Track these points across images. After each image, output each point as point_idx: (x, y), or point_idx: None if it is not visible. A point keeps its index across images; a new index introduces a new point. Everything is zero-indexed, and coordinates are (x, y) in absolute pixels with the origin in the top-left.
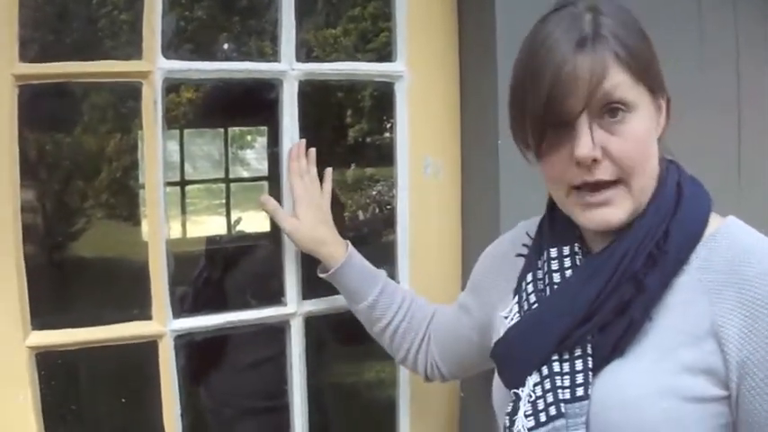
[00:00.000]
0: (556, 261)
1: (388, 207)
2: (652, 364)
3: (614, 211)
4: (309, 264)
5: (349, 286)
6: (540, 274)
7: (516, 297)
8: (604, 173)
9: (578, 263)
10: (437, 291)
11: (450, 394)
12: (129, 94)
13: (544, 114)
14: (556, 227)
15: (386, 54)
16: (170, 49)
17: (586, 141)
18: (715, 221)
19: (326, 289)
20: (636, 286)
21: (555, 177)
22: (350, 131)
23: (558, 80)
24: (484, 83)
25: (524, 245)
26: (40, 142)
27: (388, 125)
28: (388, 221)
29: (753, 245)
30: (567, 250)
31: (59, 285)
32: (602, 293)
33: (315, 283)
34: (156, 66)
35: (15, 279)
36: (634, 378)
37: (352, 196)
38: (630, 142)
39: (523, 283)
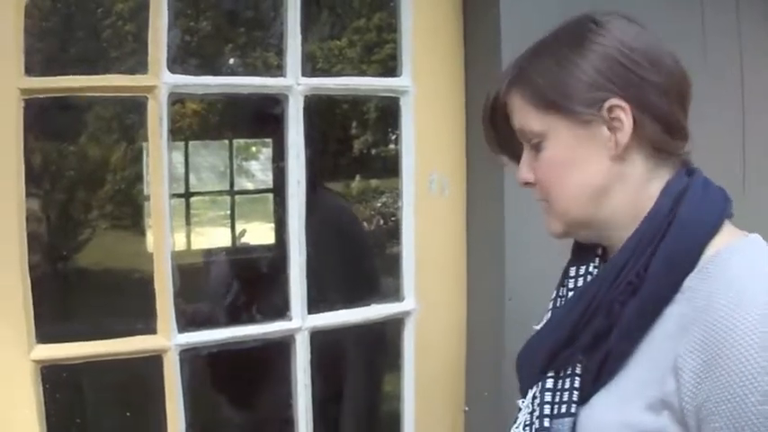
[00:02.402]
0: (572, 280)
1: (393, 219)
2: (628, 395)
3: (552, 220)
4: (315, 277)
5: None
6: (562, 291)
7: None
8: (537, 192)
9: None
10: (442, 306)
11: (454, 408)
12: (134, 105)
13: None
14: (581, 245)
15: (391, 66)
16: (175, 63)
17: (521, 165)
18: (722, 242)
19: (332, 303)
20: (607, 315)
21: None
22: (355, 143)
23: (485, 114)
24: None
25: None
26: (45, 153)
27: (393, 137)
28: (393, 233)
29: (737, 276)
30: (583, 269)
31: (64, 298)
32: (584, 317)
33: (320, 296)
34: (161, 80)
35: (20, 292)
36: (603, 410)
37: (357, 208)
38: (543, 168)
39: (550, 301)
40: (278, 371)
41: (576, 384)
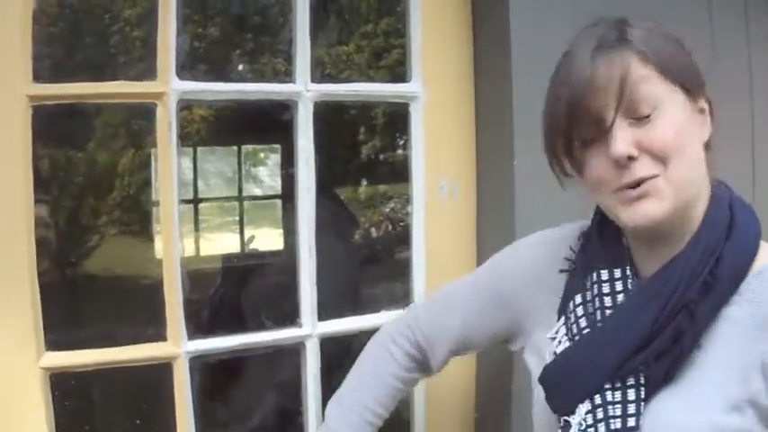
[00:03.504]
0: (607, 284)
1: (402, 224)
2: (703, 398)
3: (655, 202)
4: (325, 284)
5: None
6: (589, 296)
7: (563, 318)
8: (643, 169)
9: (630, 286)
10: None
11: (463, 414)
12: (143, 111)
13: (570, 118)
14: (605, 245)
15: (398, 72)
16: (184, 70)
17: (619, 140)
18: (765, 250)
19: (342, 310)
20: (690, 315)
21: (596, 185)
22: (363, 148)
23: (579, 82)
24: (499, 103)
25: (567, 259)
26: (54, 159)
27: (402, 142)
28: (402, 238)
29: None
30: (618, 273)
31: (73, 304)
32: (658, 322)
33: (330, 303)
34: (170, 87)
35: (29, 299)
36: (685, 412)
37: (365, 213)
38: (663, 129)
39: (571, 304)
40: (288, 377)
41: (642, 395)
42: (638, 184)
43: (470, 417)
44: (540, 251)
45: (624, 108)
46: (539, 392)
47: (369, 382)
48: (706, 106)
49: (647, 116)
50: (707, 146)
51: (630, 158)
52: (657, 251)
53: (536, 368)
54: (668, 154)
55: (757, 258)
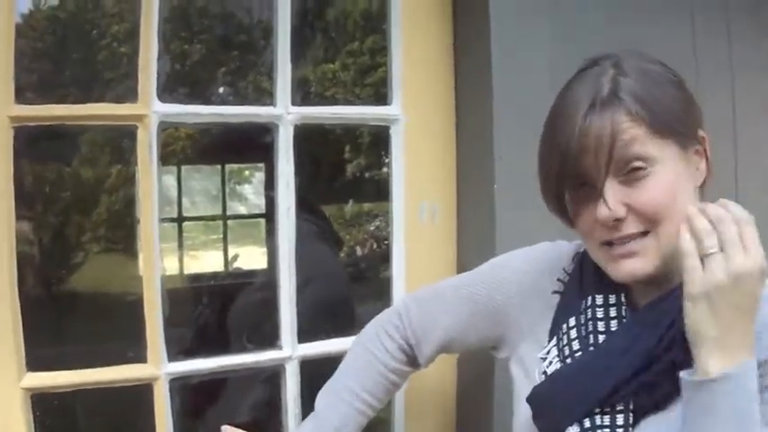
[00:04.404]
0: (601, 309)
1: (386, 243)
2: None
3: (640, 262)
4: (305, 306)
5: None
6: (582, 319)
7: (554, 339)
8: (630, 227)
9: (623, 314)
10: None
11: (444, 417)
12: (125, 130)
13: (560, 177)
14: (600, 271)
15: (385, 90)
16: (165, 92)
17: (605, 204)
18: None
19: (323, 332)
20: (687, 348)
21: (586, 234)
22: (348, 167)
23: (571, 142)
24: (480, 126)
25: (560, 280)
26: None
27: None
28: (386, 257)
29: None
30: (612, 299)
31: (55, 324)
32: (654, 352)
33: (310, 325)
34: (151, 109)
35: (10, 320)
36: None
37: (350, 231)
38: (653, 191)
39: (564, 326)
40: (269, 399)
41: (630, 420)
42: (623, 240)
43: (451, 419)
44: (536, 267)
45: (614, 168)
46: (524, 409)
47: (358, 370)
48: (701, 147)
49: (638, 175)
50: (702, 184)
51: (617, 220)
52: (653, 283)
53: (520, 382)
54: (658, 216)
55: None
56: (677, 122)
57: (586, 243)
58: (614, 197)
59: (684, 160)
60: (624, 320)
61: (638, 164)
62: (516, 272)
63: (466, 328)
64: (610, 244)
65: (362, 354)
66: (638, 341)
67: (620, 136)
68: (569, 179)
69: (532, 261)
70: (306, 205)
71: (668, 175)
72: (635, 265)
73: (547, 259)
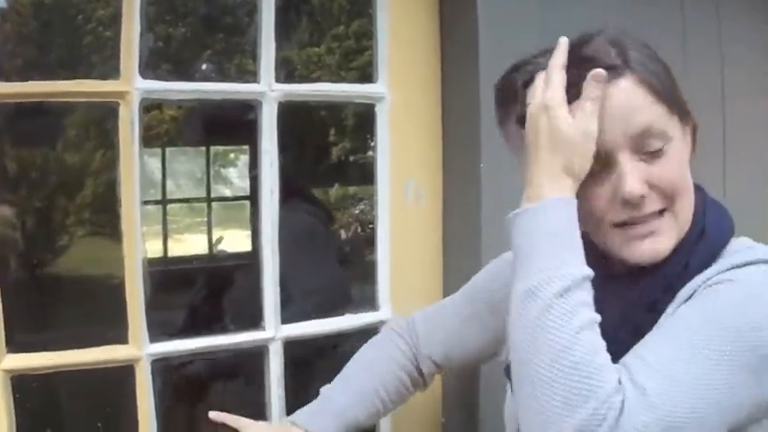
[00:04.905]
0: None
1: (371, 226)
2: None
3: (662, 240)
4: (288, 287)
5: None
6: None
7: None
8: (652, 205)
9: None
10: (417, 311)
11: (431, 419)
12: (110, 110)
13: None
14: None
15: (369, 73)
16: (148, 69)
17: (634, 178)
18: (734, 244)
19: (306, 313)
20: (650, 309)
21: (596, 216)
22: (332, 150)
23: None
24: (466, 106)
25: None
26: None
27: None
28: (371, 240)
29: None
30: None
31: (36, 305)
32: (620, 319)
33: (294, 306)
34: (132, 86)
35: None
36: None
37: (335, 215)
38: (671, 166)
39: None
40: (251, 381)
41: None
42: (644, 219)
43: (437, 421)
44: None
45: (633, 143)
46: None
47: (373, 366)
48: (689, 129)
49: (657, 151)
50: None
51: (642, 197)
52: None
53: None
54: (676, 192)
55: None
56: (677, 97)
57: (594, 227)
58: (637, 173)
59: (683, 135)
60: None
61: (657, 143)
62: (492, 270)
63: (463, 334)
64: (621, 226)
65: (375, 350)
66: (609, 309)
67: (642, 113)
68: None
69: (507, 256)
70: (295, 189)
71: (678, 152)
72: (656, 245)
73: None
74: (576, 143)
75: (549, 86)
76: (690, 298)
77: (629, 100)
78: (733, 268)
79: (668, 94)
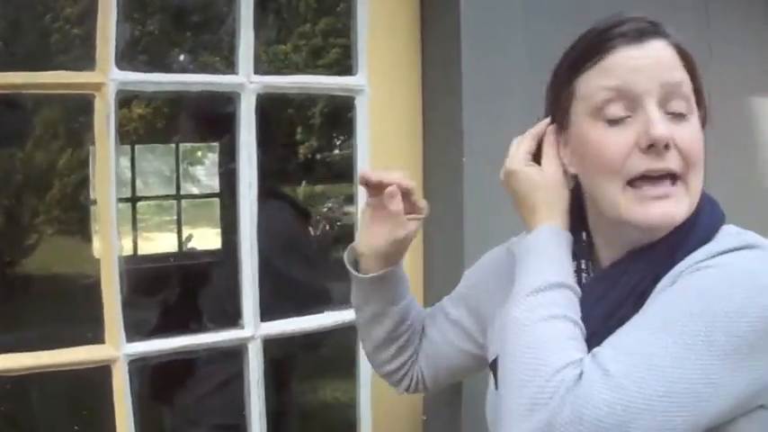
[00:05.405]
0: (575, 275)
1: (339, 223)
2: None
3: (676, 205)
4: (267, 284)
5: (399, 284)
6: None
7: None
8: (673, 161)
9: (583, 280)
10: None
11: (412, 417)
12: (82, 105)
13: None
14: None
15: (337, 71)
16: (124, 61)
17: (660, 120)
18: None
19: (285, 310)
20: (637, 301)
21: (613, 168)
22: (301, 148)
23: (626, 59)
24: (448, 98)
25: None
26: None
27: (338, 142)
28: (339, 238)
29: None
30: (583, 264)
31: (10, 305)
32: (611, 311)
33: (273, 304)
34: (109, 77)
35: None
36: None
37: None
38: (693, 133)
39: None
40: (231, 380)
41: None
42: (659, 177)
43: (418, 419)
44: (498, 251)
45: (663, 98)
46: (491, 380)
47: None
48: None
49: (681, 115)
50: None
51: (666, 147)
52: (620, 241)
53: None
54: (694, 160)
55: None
56: (700, 80)
57: (605, 188)
58: (664, 123)
59: (698, 118)
60: (587, 283)
61: (682, 106)
62: (479, 264)
63: (454, 332)
64: (635, 185)
65: None
66: (599, 303)
67: (675, 71)
68: (615, 101)
69: (495, 250)
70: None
71: (698, 127)
72: (669, 208)
73: (508, 245)
74: (546, 186)
75: (516, 151)
76: (673, 284)
77: (666, 57)
78: (718, 254)
79: (695, 72)
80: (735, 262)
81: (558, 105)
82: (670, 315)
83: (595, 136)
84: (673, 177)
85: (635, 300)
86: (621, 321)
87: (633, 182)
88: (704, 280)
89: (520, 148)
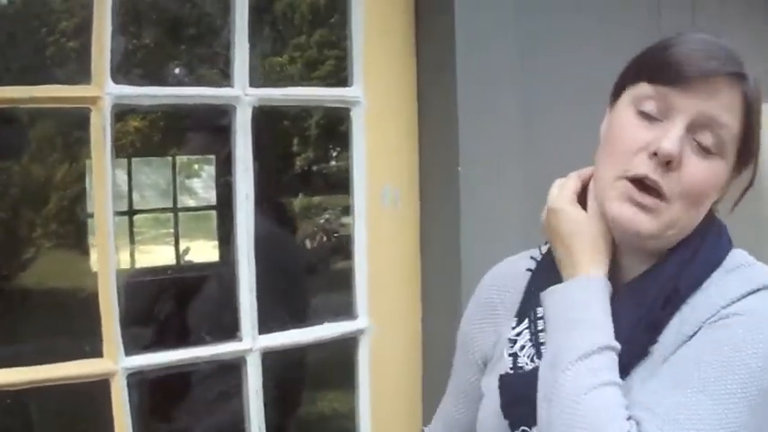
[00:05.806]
0: None
1: (336, 235)
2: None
3: (650, 221)
4: (265, 296)
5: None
6: (536, 315)
7: (526, 321)
8: (669, 183)
9: None
10: (396, 319)
11: (411, 428)
12: (79, 119)
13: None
14: (553, 266)
15: (332, 82)
16: (119, 74)
17: (676, 140)
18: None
19: (284, 322)
20: (655, 331)
21: (622, 154)
22: (297, 160)
23: (698, 62)
24: (444, 108)
25: (532, 258)
26: None
27: (335, 153)
28: (336, 249)
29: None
30: None
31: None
32: (635, 320)
33: (272, 315)
34: (104, 91)
35: None
36: None
37: (300, 224)
38: (706, 174)
39: (539, 309)
40: (229, 393)
41: None
42: (649, 188)
43: (418, 429)
44: (487, 278)
45: (695, 124)
46: (489, 398)
47: None
48: (737, 175)
49: (705, 149)
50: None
51: (669, 164)
52: (638, 258)
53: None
54: (691, 195)
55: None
56: (753, 139)
57: (606, 169)
58: (681, 142)
59: (732, 175)
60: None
61: (711, 142)
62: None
63: (465, 372)
64: (629, 181)
65: None
66: (617, 324)
67: (726, 109)
68: (666, 92)
69: (477, 293)
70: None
71: (718, 174)
72: (641, 218)
73: (506, 262)
74: (591, 230)
75: (561, 190)
76: (694, 335)
77: (725, 98)
78: (738, 300)
79: (752, 125)
80: (759, 309)
81: (618, 97)
82: (705, 375)
83: (624, 119)
84: (661, 196)
85: (661, 305)
86: (650, 327)
87: (629, 180)
88: (734, 334)
89: (566, 187)
